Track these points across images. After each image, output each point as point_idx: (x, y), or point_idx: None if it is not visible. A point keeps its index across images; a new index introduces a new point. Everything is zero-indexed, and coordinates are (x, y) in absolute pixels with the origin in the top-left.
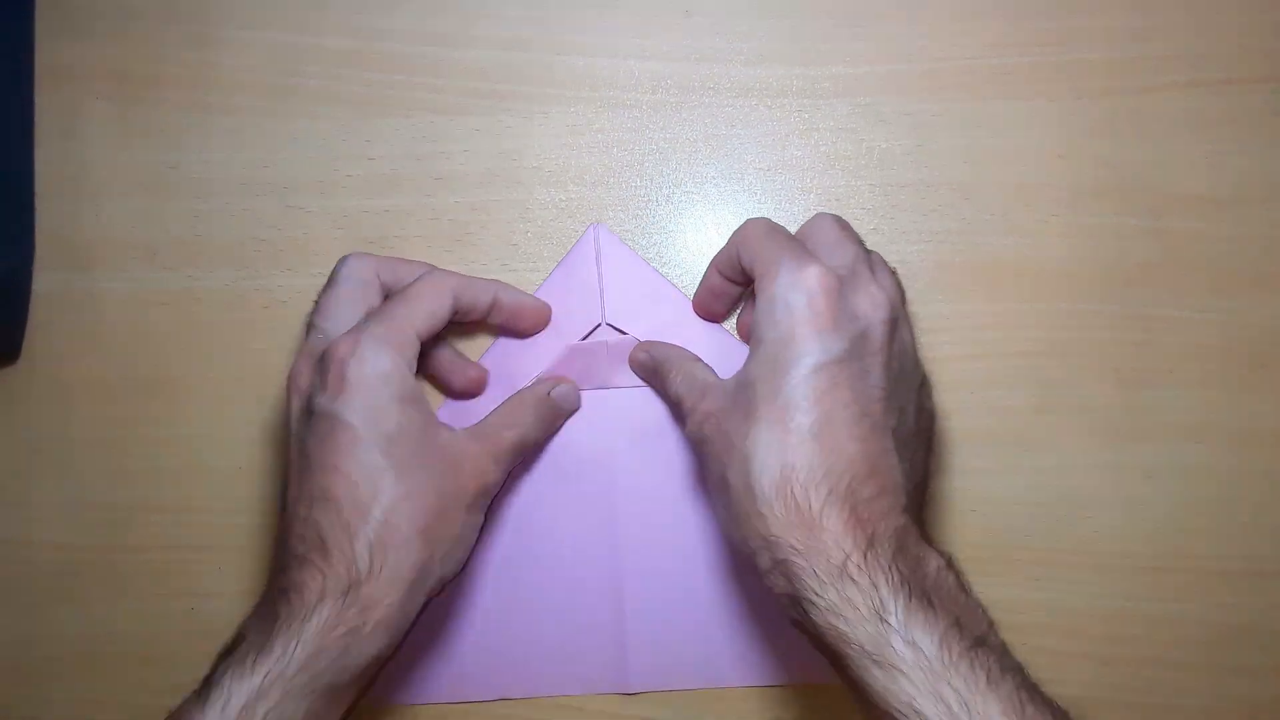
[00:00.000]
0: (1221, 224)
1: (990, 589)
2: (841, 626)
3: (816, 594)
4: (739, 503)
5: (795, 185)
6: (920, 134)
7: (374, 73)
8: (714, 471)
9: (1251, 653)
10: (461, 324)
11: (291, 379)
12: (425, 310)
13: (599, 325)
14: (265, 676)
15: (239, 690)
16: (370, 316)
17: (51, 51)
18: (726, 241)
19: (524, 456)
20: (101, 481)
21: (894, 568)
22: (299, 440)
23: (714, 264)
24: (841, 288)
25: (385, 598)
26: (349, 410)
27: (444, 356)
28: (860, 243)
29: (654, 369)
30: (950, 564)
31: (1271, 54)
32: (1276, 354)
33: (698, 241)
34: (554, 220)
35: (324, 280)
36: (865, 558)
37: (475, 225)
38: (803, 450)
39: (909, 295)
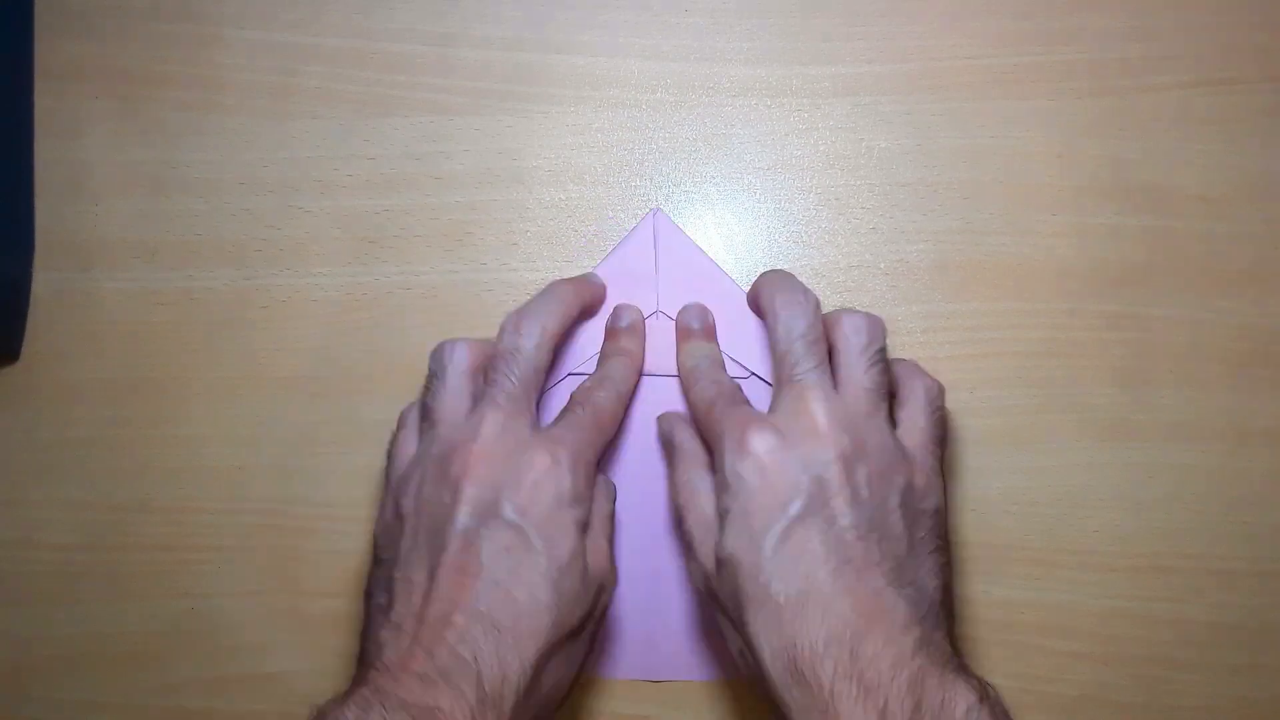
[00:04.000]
0: (1221, 223)
1: (990, 589)
2: None
3: None
4: (762, 682)
5: (795, 185)
6: (920, 134)
7: (374, 73)
8: (731, 636)
9: (1251, 653)
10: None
11: (468, 472)
12: (605, 438)
13: (654, 313)
14: None
15: None
16: (563, 423)
17: (51, 51)
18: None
19: None
20: (101, 481)
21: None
22: (472, 537)
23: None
24: (784, 442)
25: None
26: (536, 532)
27: None
28: (812, 325)
29: (665, 445)
30: (984, 699)
31: (1270, 54)
32: (1275, 354)
33: (697, 241)
34: (554, 220)
35: (324, 279)
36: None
37: (475, 225)
38: (797, 623)
39: (909, 295)
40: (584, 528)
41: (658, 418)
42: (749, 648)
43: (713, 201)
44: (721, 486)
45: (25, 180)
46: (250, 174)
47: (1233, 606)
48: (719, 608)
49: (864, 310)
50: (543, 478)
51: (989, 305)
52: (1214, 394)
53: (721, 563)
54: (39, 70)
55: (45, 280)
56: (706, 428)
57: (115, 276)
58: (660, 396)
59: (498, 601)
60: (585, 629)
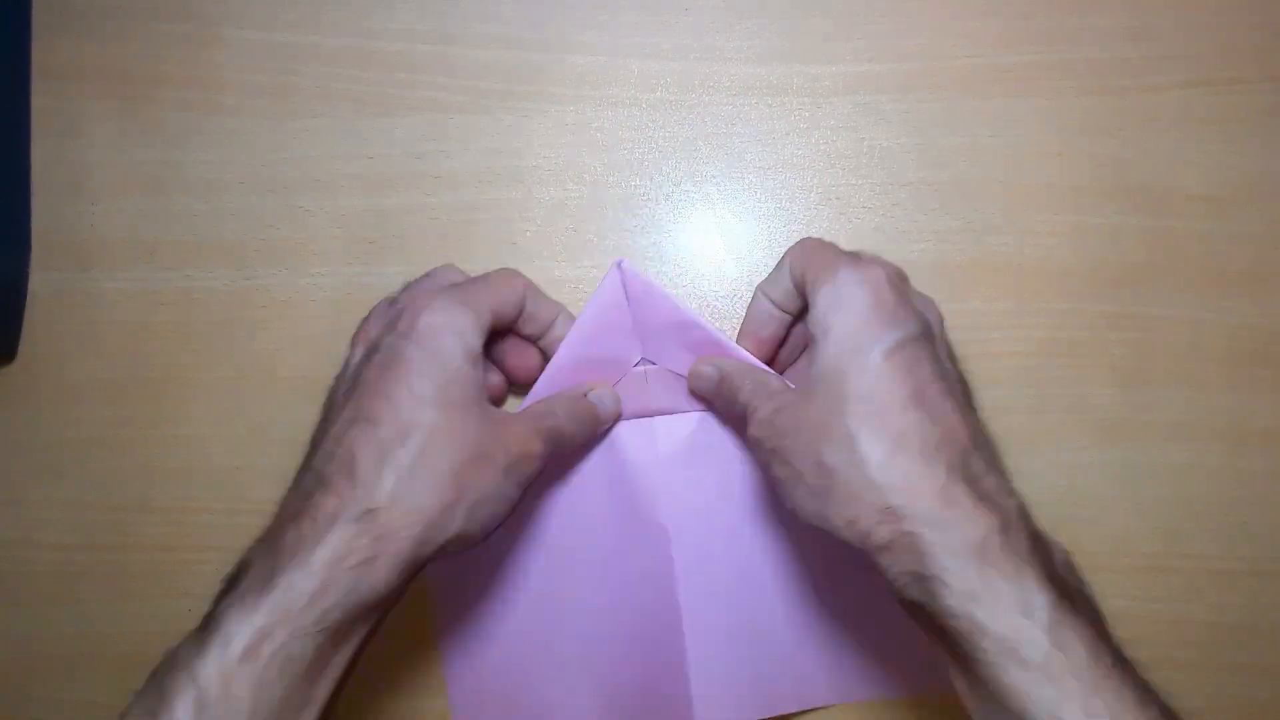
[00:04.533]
0: (1221, 223)
1: None
2: (979, 615)
3: (950, 573)
4: (845, 480)
5: (795, 184)
6: (921, 133)
7: (374, 72)
8: (800, 460)
9: (1251, 653)
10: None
11: (360, 332)
12: (500, 295)
13: (640, 362)
14: (270, 613)
15: (241, 629)
16: (450, 285)
17: (51, 51)
18: (774, 267)
19: (561, 449)
20: (101, 481)
21: (1034, 556)
22: (355, 372)
23: (760, 289)
24: (896, 282)
25: (403, 529)
26: (414, 347)
27: (506, 342)
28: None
29: (720, 381)
30: (1069, 556)
31: (1270, 54)
32: (1275, 354)
33: (698, 240)
34: (554, 220)
35: (324, 279)
36: (1004, 541)
37: (475, 225)
38: (910, 418)
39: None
40: (475, 366)
41: (693, 366)
42: (836, 437)
43: (713, 201)
44: (828, 303)
45: (23, 180)
46: (250, 174)
47: (1233, 606)
48: (775, 447)
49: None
50: (421, 310)
51: (989, 305)
52: (1214, 394)
53: (822, 375)
54: (39, 70)
55: (44, 280)
56: (801, 270)
57: (115, 276)
58: (659, 438)
59: (374, 404)
60: (500, 456)
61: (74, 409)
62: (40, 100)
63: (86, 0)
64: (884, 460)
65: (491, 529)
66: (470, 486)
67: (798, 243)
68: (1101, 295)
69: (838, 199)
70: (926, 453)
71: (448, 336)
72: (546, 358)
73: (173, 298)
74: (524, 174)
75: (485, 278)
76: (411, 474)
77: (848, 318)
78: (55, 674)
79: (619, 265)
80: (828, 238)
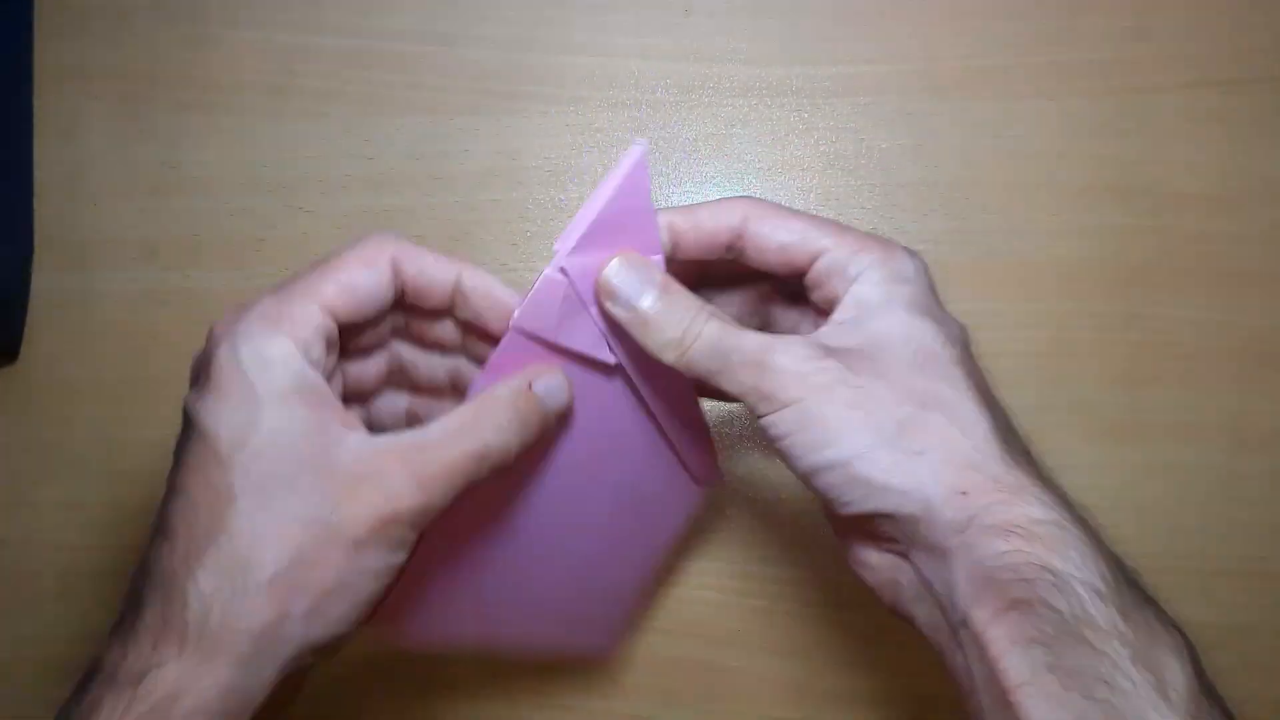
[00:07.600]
0: (1221, 223)
1: None
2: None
3: (1091, 589)
4: (954, 443)
5: (795, 185)
6: (920, 134)
7: (374, 73)
8: (883, 408)
9: (1251, 652)
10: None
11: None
12: (341, 280)
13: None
14: None
15: None
16: (270, 287)
17: (51, 51)
18: (698, 213)
19: (491, 472)
20: (101, 481)
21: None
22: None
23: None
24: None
25: (203, 678)
26: (210, 413)
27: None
28: None
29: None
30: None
31: (1271, 54)
32: (1276, 354)
33: None
34: (554, 220)
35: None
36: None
37: (475, 225)
38: (998, 411)
39: None
40: (307, 401)
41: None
42: (946, 404)
43: None
44: (890, 274)
45: (25, 180)
46: (250, 174)
47: (1233, 606)
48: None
49: None
50: (214, 351)
51: (989, 305)
52: (1214, 394)
53: (892, 339)
54: (39, 70)
55: (45, 280)
56: (787, 240)
57: (115, 276)
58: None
59: (172, 507)
60: (354, 529)
61: (74, 409)
62: (40, 100)
63: (87, 1)
64: (996, 439)
65: (363, 617)
66: (303, 589)
67: (739, 202)
68: (1102, 295)
69: (837, 200)
70: (1014, 453)
71: (256, 384)
72: (470, 336)
73: (173, 298)
74: (524, 174)
75: (324, 262)
76: (214, 602)
77: (916, 294)
78: (55, 674)
79: (637, 145)
80: None
